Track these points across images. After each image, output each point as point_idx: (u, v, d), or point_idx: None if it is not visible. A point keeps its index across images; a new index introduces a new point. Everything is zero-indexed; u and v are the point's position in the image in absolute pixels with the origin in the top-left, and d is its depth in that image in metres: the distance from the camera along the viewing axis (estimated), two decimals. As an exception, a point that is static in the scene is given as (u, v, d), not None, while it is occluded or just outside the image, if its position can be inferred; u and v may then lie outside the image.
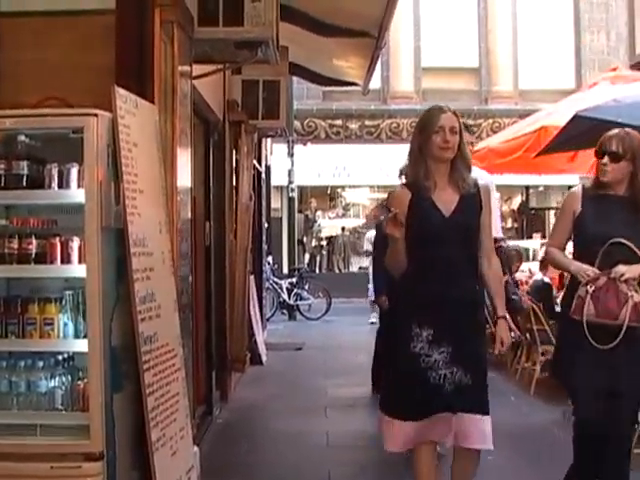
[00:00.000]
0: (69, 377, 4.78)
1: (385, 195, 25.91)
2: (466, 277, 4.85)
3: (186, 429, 5.26)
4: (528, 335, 10.04)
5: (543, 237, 19.47)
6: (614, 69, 11.54)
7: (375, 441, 7.64)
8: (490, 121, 23.88)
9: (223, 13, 6.00)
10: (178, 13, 5.43)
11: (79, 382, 4.73)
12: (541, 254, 13.07)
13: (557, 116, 10.08)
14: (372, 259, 12.41)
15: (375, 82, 16.14)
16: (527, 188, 25.23)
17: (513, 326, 10.43)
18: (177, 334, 5.28)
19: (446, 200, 4.83)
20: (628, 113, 7.44)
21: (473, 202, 4.89)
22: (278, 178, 21.19)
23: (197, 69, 6.36)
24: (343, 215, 26.46)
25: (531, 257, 16.42)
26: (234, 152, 9.82)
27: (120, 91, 4.71)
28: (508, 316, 5.15)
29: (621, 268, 4.82)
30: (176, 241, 5.48)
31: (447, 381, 4.75)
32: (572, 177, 16.56)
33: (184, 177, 5.74)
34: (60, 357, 4.84)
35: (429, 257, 4.76)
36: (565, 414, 7.30)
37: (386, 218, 4.62)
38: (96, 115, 4.55)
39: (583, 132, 7.79)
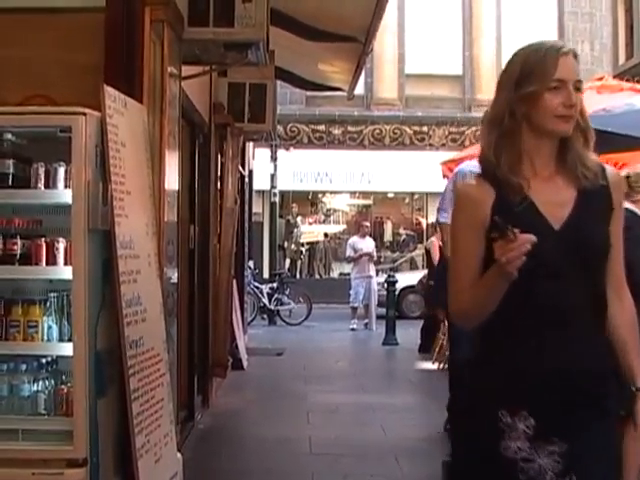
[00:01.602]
0: (52, 381, 4.69)
1: (366, 202, 26.17)
2: (590, 332, 2.81)
3: (170, 435, 5.18)
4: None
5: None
6: (600, 78, 11.51)
7: (358, 448, 7.63)
8: (474, 129, 23.88)
9: (214, 14, 5.93)
10: (168, 13, 5.37)
11: (62, 386, 4.65)
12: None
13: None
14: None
15: (359, 88, 16.12)
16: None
17: None
18: (163, 338, 5.21)
19: (555, 201, 2.82)
20: (618, 123, 7.43)
21: (600, 202, 2.86)
22: (260, 182, 21.15)
23: (184, 70, 6.29)
24: (324, 221, 26.42)
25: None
26: (219, 155, 9.75)
27: (109, 90, 4.63)
28: None
29: None
30: (162, 244, 5.41)
31: None
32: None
33: (172, 179, 5.67)
34: (44, 360, 4.74)
35: (528, 300, 2.74)
36: None
37: (500, 234, 2.56)
38: (84, 114, 4.47)
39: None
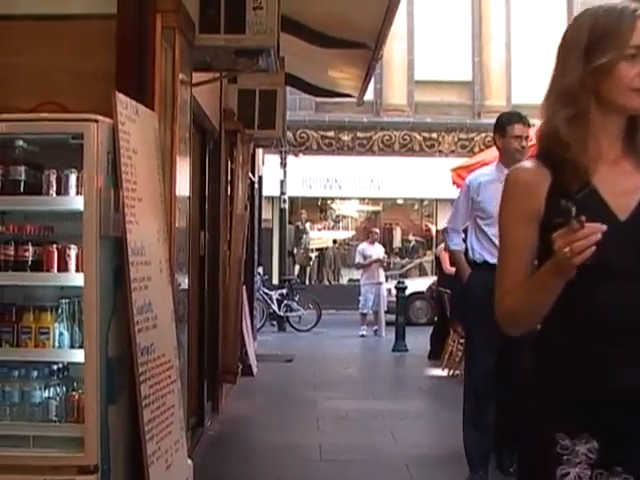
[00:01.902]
0: (64, 388, 4.68)
1: (376, 208, 26.13)
2: None
3: (181, 442, 5.18)
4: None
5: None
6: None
7: (368, 455, 7.62)
8: (483, 135, 23.86)
9: (225, 20, 5.93)
10: (179, 19, 5.37)
11: (74, 393, 4.63)
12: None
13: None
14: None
15: (368, 94, 16.10)
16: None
17: None
18: (173, 345, 5.20)
19: (622, 188, 2.42)
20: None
21: None
22: (269, 189, 21.16)
23: (195, 76, 6.29)
24: (333, 227, 26.41)
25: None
26: (229, 162, 9.76)
27: (121, 97, 4.63)
28: None
29: None
30: (174, 251, 5.41)
31: None
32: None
33: (183, 186, 5.67)
34: (55, 367, 4.74)
35: (589, 305, 2.37)
36: None
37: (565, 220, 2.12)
38: (96, 121, 4.46)
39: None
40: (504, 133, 6.33)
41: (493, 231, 5.93)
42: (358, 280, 19.34)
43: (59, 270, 4.62)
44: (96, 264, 4.42)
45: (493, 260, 5.65)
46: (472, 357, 6.67)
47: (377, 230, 20.14)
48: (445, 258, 14.38)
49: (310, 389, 11.10)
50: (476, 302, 6.06)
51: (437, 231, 17.64)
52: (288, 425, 8.88)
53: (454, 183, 13.14)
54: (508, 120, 6.40)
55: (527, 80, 23.91)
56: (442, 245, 15.05)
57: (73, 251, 4.58)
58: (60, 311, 4.65)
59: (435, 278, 16.00)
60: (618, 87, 2.37)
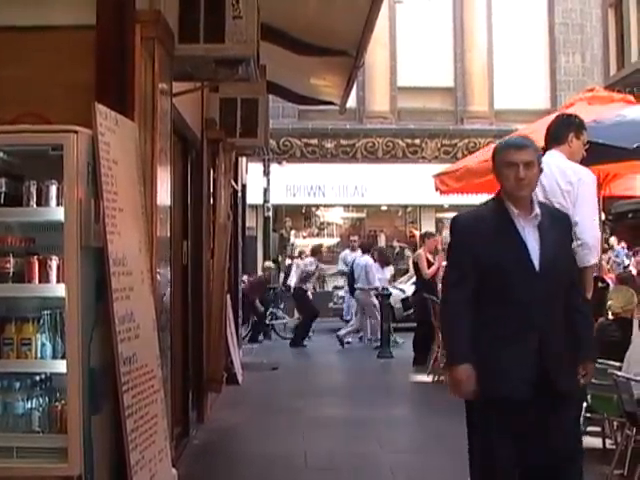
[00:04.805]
0: (46, 398, 4.69)
1: (360, 215, 26.09)
2: None
3: (165, 451, 5.18)
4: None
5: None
6: (591, 90, 11.57)
7: (354, 462, 7.63)
8: (466, 141, 23.98)
9: (204, 30, 5.94)
10: (159, 29, 5.38)
11: (57, 403, 4.65)
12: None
13: (535, 136, 10.07)
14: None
15: (351, 101, 16.13)
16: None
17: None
18: (156, 355, 5.20)
19: None
20: (609, 134, 7.46)
21: None
22: (253, 197, 21.13)
23: (176, 86, 6.30)
24: (317, 234, 26.38)
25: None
26: (212, 170, 9.76)
27: (100, 108, 4.64)
28: None
29: None
30: (155, 260, 5.41)
31: None
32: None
33: (164, 196, 5.68)
34: (37, 378, 4.75)
35: None
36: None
37: None
38: (76, 132, 4.48)
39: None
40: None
41: None
42: (342, 287, 19.36)
43: (40, 281, 4.63)
44: (77, 275, 4.43)
45: None
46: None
47: (355, 238, 20.22)
48: (424, 262, 14.49)
49: (295, 397, 11.09)
50: None
51: (421, 236, 17.61)
52: (273, 433, 8.88)
53: (437, 189, 13.15)
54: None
55: (509, 86, 24.05)
56: (420, 251, 15.16)
57: (54, 262, 4.59)
58: (42, 322, 4.66)
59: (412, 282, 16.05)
60: None
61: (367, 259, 17.31)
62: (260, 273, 21.30)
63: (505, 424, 4.30)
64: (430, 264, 14.49)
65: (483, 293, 4.39)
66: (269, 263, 21.32)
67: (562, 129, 6.28)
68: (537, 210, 4.47)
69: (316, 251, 19.02)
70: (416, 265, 14.94)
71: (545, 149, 6.04)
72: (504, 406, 4.27)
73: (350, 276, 17.79)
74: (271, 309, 19.07)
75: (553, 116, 11.55)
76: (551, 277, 4.38)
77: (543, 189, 5.59)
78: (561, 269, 4.46)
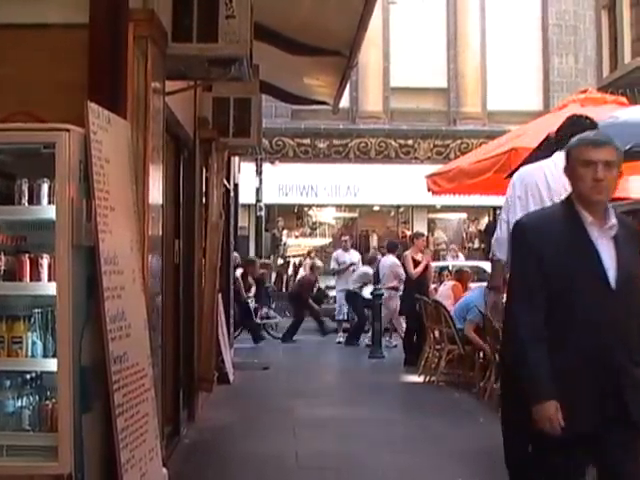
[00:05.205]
0: (37, 397, 4.68)
1: (352, 215, 26.11)
2: None
3: (155, 450, 5.18)
4: (497, 355, 10.01)
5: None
6: (584, 91, 11.61)
7: (345, 461, 7.63)
8: (459, 142, 24.01)
9: (197, 29, 5.93)
10: (152, 28, 5.37)
11: (47, 402, 4.64)
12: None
13: (527, 138, 10.12)
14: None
15: (344, 101, 16.13)
16: (494, 209, 25.28)
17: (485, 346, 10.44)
18: (147, 354, 5.20)
19: None
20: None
21: None
22: (245, 196, 21.12)
23: (169, 85, 6.29)
24: (310, 234, 26.38)
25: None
26: (204, 170, 9.76)
27: (93, 106, 4.64)
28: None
29: None
30: (147, 259, 5.41)
31: None
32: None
33: (156, 194, 5.67)
34: (28, 376, 4.75)
35: None
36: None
37: None
38: (68, 130, 4.48)
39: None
40: None
41: None
42: (334, 287, 19.36)
43: (32, 279, 4.63)
44: (69, 273, 4.43)
45: None
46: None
47: (346, 238, 20.19)
48: (410, 262, 14.53)
49: (287, 396, 11.09)
50: None
51: (410, 237, 17.58)
52: (265, 433, 8.87)
53: (429, 190, 13.19)
54: None
55: (502, 87, 24.08)
56: (407, 252, 15.21)
57: (45, 260, 4.59)
58: (33, 320, 4.65)
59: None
60: None
61: (393, 259, 16.59)
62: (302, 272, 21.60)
63: (575, 463, 3.93)
64: (417, 264, 14.53)
65: (546, 312, 3.92)
66: (317, 261, 21.50)
67: (573, 130, 6.27)
68: (613, 220, 3.97)
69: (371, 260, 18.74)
70: (403, 266, 15.01)
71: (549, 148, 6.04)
72: (574, 444, 3.87)
73: (375, 276, 17.42)
74: (263, 309, 19.06)
75: (546, 117, 11.62)
76: (627, 297, 3.92)
77: (548, 188, 5.58)
78: (637, 289, 3.99)
